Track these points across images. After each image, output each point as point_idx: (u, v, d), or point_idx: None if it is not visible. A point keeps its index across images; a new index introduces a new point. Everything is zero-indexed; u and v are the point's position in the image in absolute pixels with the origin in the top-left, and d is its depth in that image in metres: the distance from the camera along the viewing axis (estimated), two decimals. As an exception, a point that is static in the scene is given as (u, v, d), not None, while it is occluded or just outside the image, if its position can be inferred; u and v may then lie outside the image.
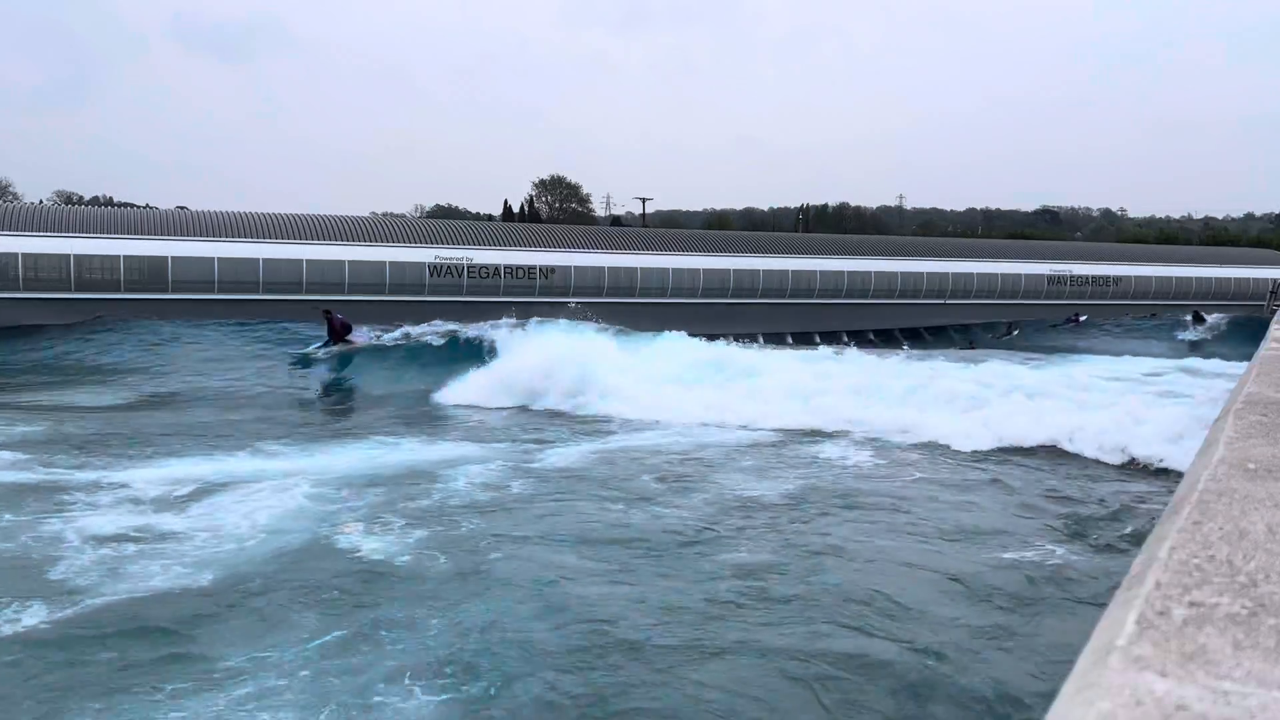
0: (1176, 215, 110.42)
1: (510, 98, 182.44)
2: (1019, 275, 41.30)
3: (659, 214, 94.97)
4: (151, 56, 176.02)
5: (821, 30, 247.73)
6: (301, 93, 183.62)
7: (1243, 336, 32.69)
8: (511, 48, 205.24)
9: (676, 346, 19.39)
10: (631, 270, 35.47)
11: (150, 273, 29.53)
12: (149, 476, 9.53)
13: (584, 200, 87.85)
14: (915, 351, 23.46)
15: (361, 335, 22.05)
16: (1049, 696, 1.13)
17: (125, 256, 29.28)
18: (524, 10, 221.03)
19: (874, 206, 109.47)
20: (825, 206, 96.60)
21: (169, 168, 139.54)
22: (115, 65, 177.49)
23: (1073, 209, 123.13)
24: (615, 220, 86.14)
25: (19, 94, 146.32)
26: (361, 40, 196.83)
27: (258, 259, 30.69)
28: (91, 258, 28.97)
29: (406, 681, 4.75)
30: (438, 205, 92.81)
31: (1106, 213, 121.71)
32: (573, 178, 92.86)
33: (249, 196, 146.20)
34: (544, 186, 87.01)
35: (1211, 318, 35.55)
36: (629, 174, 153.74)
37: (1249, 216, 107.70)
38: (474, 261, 33.41)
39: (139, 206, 51.63)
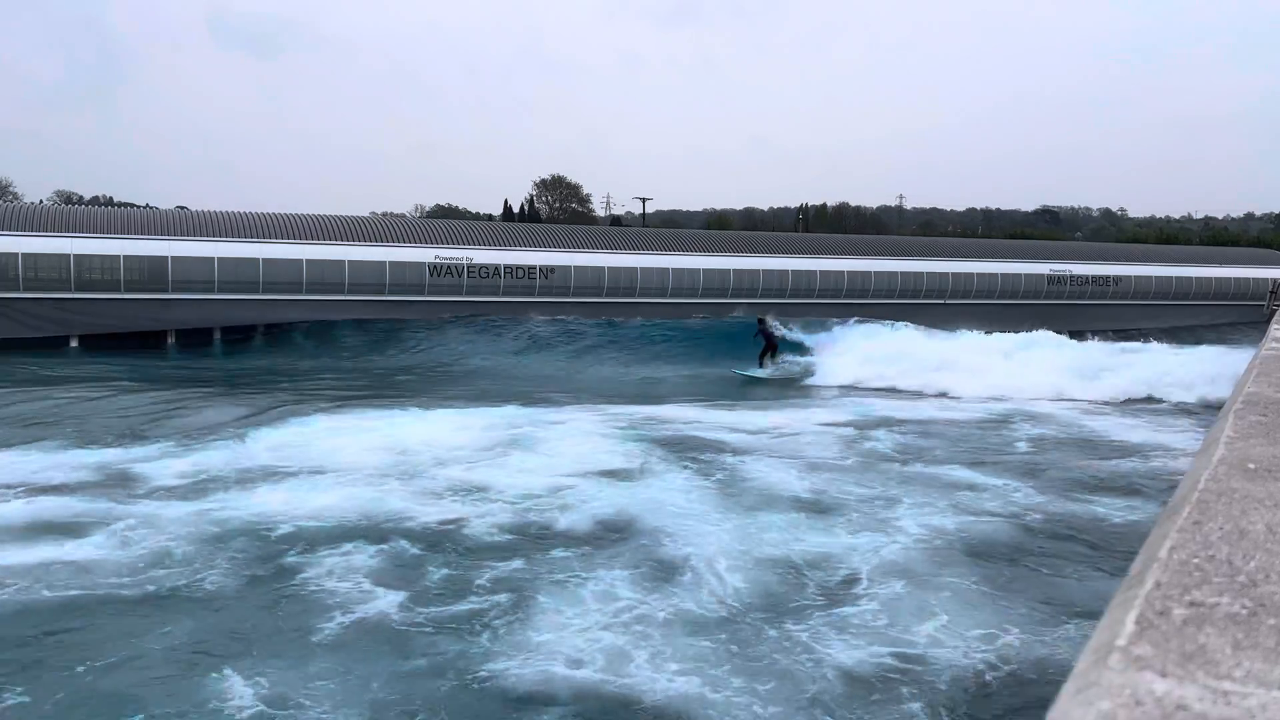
0: (1176, 215, 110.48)
1: (524, 97, 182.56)
2: (1019, 275, 41.28)
3: (659, 214, 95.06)
4: (182, 51, 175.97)
5: (842, 27, 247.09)
6: (316, 90, 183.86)
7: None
8: (537, 46, 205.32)
9: None
10: (631, 270, 35.46)
11: (150, 273, 29.52)
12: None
13: (584, 200, 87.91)
14: None
15: None
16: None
17: (125, 256, 29.26)
18: (566, 4, 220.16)
19: (874, 206, 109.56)
20: (825, 206, 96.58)
21: (173, 166, 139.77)
22: (142, 61, 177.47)
23: (1073, 209, 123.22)
24: (615, 220, 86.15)
25: (39, 90, 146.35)
26: (385, 38, 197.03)
27: (258, 259, 30.68)
28: (91, 258, 28.96)
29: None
30: (438, 205, 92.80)
31: (1106, 213, 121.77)
32: (576, 177, 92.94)
33: (250, 195, 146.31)
34: (544, 186, 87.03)
35: (785, 330, 25.24)
36: (633, 173, 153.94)
37: (1249, 216, 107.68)
38: (474, 261, 33.39)
39: (139, 206, 51.63)
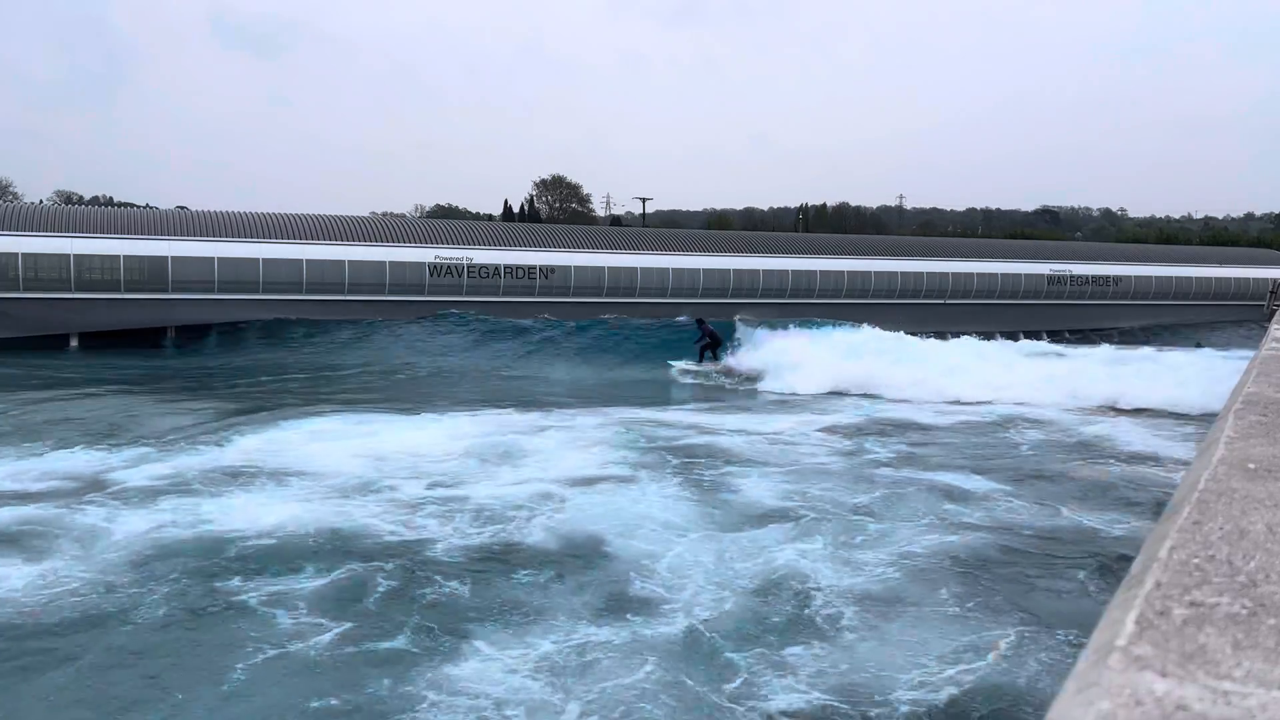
0: (1176, 215, 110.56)
1: (524, 97, 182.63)
2: (1019, 275, 41.27)
3: (659, 214, 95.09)
4: (183, 51, 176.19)
5: (844, 27, 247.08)
6: (316, 90, 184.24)
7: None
8: (538, 46, 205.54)
9: None
10: (631, 270, 35.46)
11: (150, 273, 29.53)
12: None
13: (584, 200, 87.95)
14: None
15: None
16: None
17: (125, 256, 29.27)
18: (568, 4, 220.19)
19: (874, 206, 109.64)
20: (825, 206, 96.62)
21: (173, 166, 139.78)
22: (143, 60, 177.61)
23: (1073, 209, 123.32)
24: (615, 220, 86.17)
25: (39, 90, 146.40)
26: (386, 38, 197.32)
27: (258, 259, 30.69)
28: (91, 258, 28.97)
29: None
30: (438, 205, 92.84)
31: (1106, 213, 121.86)
32: (576, 177, 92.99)
33: (250, 195, 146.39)
34: (544, 186, 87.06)
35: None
36: (633, 173, 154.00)
37: (1249, 216, 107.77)
38: (474, 261, 33.40)
39: (139, 206, 51.62)
